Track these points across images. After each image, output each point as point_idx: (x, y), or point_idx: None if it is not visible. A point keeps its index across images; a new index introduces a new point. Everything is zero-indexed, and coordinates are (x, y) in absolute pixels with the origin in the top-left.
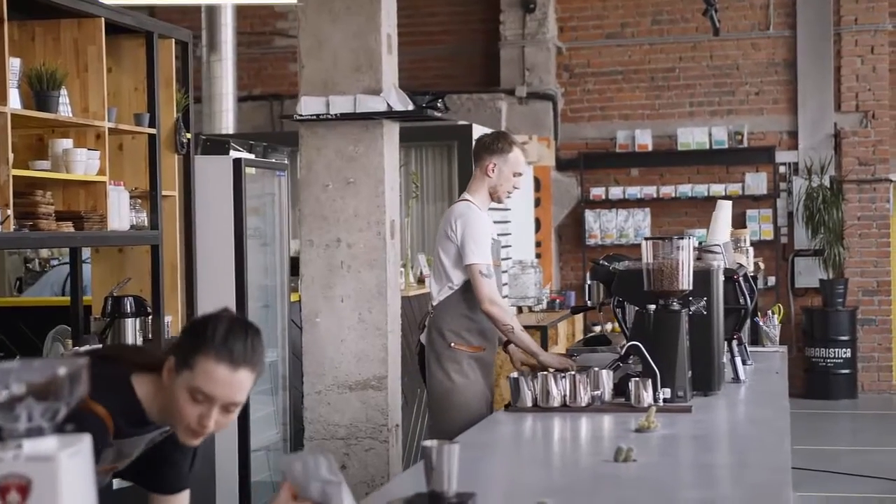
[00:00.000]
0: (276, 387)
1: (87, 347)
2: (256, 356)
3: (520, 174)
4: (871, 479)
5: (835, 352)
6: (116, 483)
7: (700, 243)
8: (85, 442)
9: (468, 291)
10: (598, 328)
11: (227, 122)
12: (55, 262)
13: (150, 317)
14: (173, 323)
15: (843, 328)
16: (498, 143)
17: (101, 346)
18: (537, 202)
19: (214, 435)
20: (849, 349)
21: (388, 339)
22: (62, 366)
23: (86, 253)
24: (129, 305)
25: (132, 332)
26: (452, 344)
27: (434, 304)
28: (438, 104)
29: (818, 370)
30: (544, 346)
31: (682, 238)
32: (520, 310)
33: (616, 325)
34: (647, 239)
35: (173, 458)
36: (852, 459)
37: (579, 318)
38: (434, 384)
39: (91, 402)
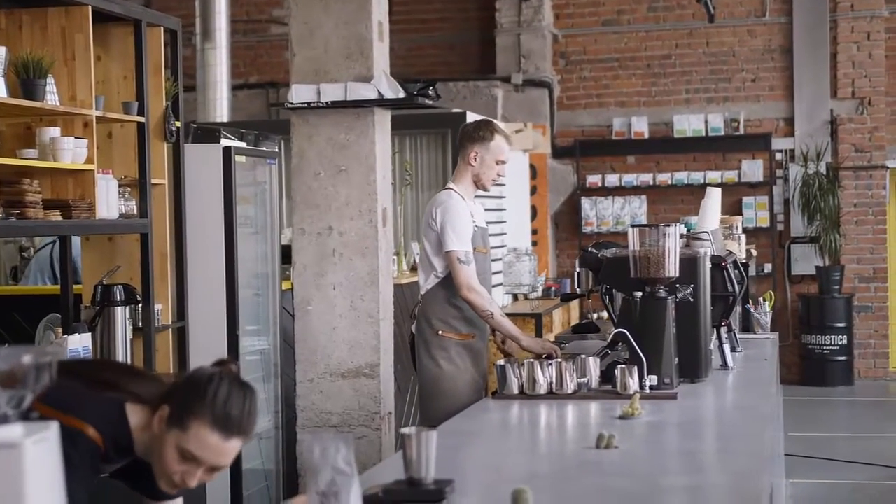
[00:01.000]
0: (267, 374)
1: (79, 357)
2: (251, 423)
3: (503, 162)
4: (867, 466)
5: (831, 339)
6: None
7: (688, 230)
8: (52, 430)
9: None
10: (594, 315)
11: (220, 110)
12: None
13: (139, 305)
14: (163, 311)
15: (840, 315)
16: (479, 131)
17: (99, 361)
18: (533, 190)
19: None
20: (845, 336)
21: (381, 327)
22: (27, 354)
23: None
24: (118, 294)
25: (122, 320)
26: (440, 332)
27: (422, 293)
28: (430, 92)
29: (814, 357)
30: (538, 333)
31: (669, 225)
32: (515, 297)
33: None
34: (633, 226)
35: None
36: (848, 446)
37: (575, 305)
38: (423, 372)
39: (85, 424)
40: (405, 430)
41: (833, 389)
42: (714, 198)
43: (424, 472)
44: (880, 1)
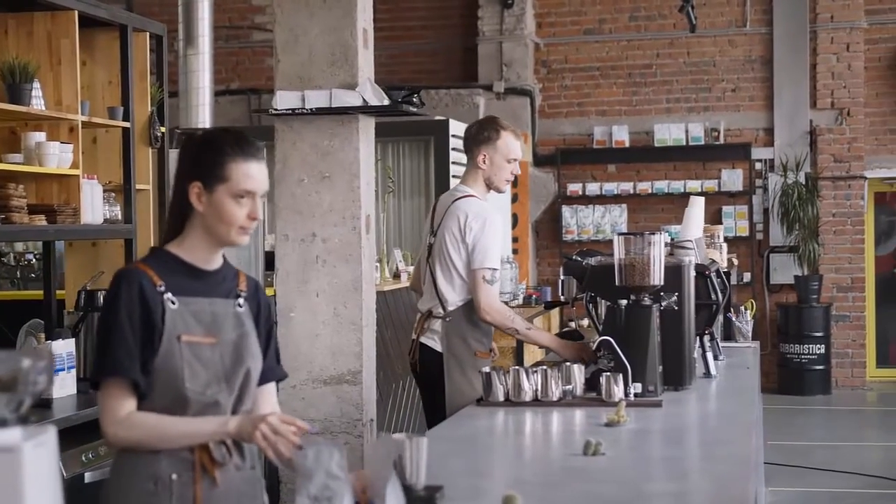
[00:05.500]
0: None
1: None
2: (254, 141)
3: (514, 160)
4: (845, 474)
5: (809, 348)
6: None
7: (672, 239)
8: (49, 434)
9: None
10: (573, 323)
11: (203, 116)
12: (30, 256)
13: None
14: None
15: (818, 324)
16: (484, 131)
17: None
18: (514, 198)
19: None
20: (823, 345)
21: (364, 334)
22: (26, 358)
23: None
24: (101, 299)
25: None
26: (477, 352)
27: (449, 308)
28: (414, 99)
29: (792, 366)
30: (519, 342)
31: (654, 234)
32: None
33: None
34: (619, 234)
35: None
36: (826, 454)
37: (555, 313)
38: (456, 391)
39: (135, 264)
40: (396, 437)
41: (811, 398)
42: (698, 206)
43: (415, 478)
44: (860, 12)
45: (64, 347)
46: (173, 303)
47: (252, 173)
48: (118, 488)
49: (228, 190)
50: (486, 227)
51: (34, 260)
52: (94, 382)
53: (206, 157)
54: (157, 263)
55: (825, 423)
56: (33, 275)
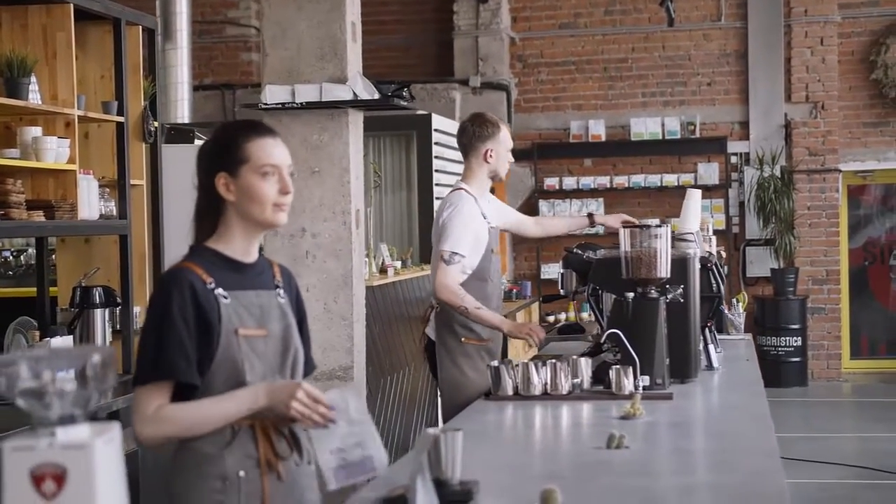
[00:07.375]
0: None
1: None
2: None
3: (510, 147)
4: (824, 465)
5: (785, 340)
6: None
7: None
8: (116, 430)
9: (473, 283)
10: (551, 318)
11: (182, 111)
12: (7, 254)
13: (118, 307)
14: (142, 313)
15: (794, 317)
16: (487, 128)
17: None
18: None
19: None
20: (799, 337)
21: (354, 329)
22: (94, 353)
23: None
24: (97, 296)
25: (101, 322)
26: (463, 339)
27: (440, 297)
28: (404, 93)
29: (769, 358)
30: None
31: (661, 226)
32: None
33: (574, 314)
34: (625, 226)
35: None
36: (804, 446)
37: (535, 307)
38: (447, 379)
39: (182, 263)
40: (431, 431)
41: (788, 390)
42: (694, 199)
43: (451, 472)
44: (833, 6)
45: (63, 344)
46: (225, 297)
47: (270, 148)
48: (184, 487)
49: (252, 168)
50: (454, 212)
51: (11, 257)
52: (141, 382)
53: (223, 147)
54: (202, 260)
55: (803, 414)
56: (11, 272)
